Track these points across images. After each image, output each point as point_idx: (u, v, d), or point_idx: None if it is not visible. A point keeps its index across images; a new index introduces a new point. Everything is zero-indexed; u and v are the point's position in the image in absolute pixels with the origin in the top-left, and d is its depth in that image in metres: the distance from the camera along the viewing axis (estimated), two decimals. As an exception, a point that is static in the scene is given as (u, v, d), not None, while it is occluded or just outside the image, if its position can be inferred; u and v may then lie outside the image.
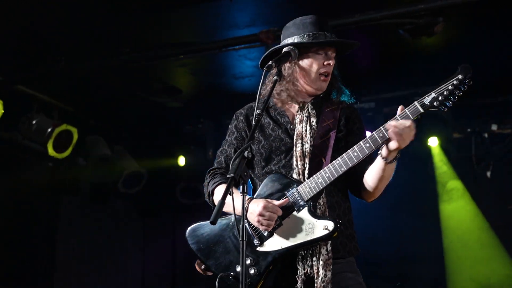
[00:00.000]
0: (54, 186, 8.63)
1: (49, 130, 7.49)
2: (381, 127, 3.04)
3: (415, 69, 7.15)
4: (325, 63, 3.36)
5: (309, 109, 3.40)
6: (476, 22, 6.13)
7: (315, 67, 3.36)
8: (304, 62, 3.37)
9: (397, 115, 3.03)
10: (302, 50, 3.35)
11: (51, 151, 7.59)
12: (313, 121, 3.36)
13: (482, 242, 7.95)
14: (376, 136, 3.05)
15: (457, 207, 8.15)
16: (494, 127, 7.78)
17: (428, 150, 8.07)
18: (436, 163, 8.13)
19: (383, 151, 3.06)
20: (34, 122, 7.40)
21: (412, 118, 3.00)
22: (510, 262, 7.76)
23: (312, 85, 3.40)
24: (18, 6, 5.65)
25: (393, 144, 2.99)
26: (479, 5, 5.62)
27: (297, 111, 3.42)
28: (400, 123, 2.97)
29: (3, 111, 6.77)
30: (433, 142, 7.96)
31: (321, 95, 3.46)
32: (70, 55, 6.71)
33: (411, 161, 7.31)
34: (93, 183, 9.09)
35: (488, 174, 8.02)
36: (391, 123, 2.98)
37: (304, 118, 3.36)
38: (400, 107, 3.05)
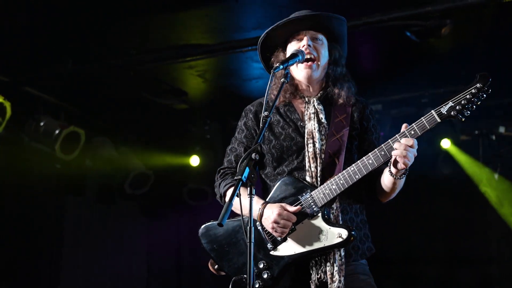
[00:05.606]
0: (61, 187, 8.66)
1: (57, 131, 7.49)
2: (389, 140, 3.03)
3: (422, 71, 7.13)
4: (299, 47, 3.30)
5: (315, 104, 3.33)
6: (484, 24, 6.12)
7: None
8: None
9: (404, 130, 2.99)
10: (287, 45, 3.39)
11: (59, 153, 7.60)
12: (321, 118, 3.29)
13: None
14: (391, 143, 3.02)
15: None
16: (501, 129, 7.76)
17: (436, 151, 8.01)
18: (463, 164, 8.06)
19: (392, 169, 3.03)
20: (42, 124, 7.41)
21: (428, 127, 2.97)
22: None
23: (299, 75, 3.33)
24: (25, 7, 5.67)
25: (399, 165, 2.97)
26: (487, 7, 5.61)
27: (305, 107, 3.36)
28: (400, 145, 2.93)
29: (10, 113, 6.78)
30: (446, 143, 7.90)
31: (329, 88, 3.37)
32: (77, 57, 6.72)
33: (420, 162, 7.31)
34: (100, 184, 9.13)
35: (496, 176, 7.99)
36: (396, 147, 2.94)
37: (312, 115, 3.30)
38: (403, 126, 3.00)
